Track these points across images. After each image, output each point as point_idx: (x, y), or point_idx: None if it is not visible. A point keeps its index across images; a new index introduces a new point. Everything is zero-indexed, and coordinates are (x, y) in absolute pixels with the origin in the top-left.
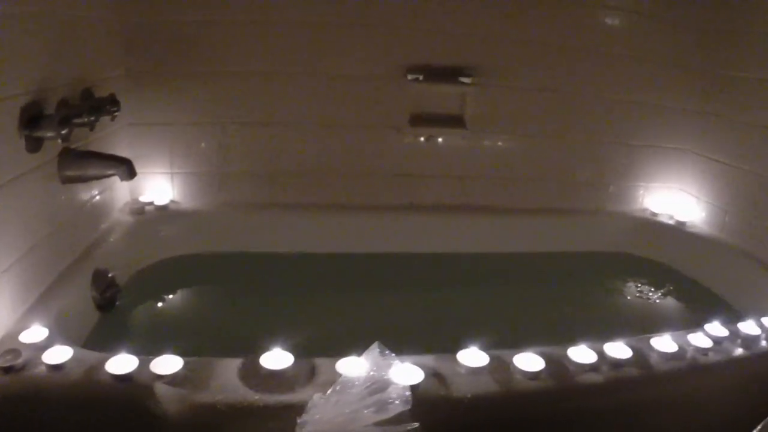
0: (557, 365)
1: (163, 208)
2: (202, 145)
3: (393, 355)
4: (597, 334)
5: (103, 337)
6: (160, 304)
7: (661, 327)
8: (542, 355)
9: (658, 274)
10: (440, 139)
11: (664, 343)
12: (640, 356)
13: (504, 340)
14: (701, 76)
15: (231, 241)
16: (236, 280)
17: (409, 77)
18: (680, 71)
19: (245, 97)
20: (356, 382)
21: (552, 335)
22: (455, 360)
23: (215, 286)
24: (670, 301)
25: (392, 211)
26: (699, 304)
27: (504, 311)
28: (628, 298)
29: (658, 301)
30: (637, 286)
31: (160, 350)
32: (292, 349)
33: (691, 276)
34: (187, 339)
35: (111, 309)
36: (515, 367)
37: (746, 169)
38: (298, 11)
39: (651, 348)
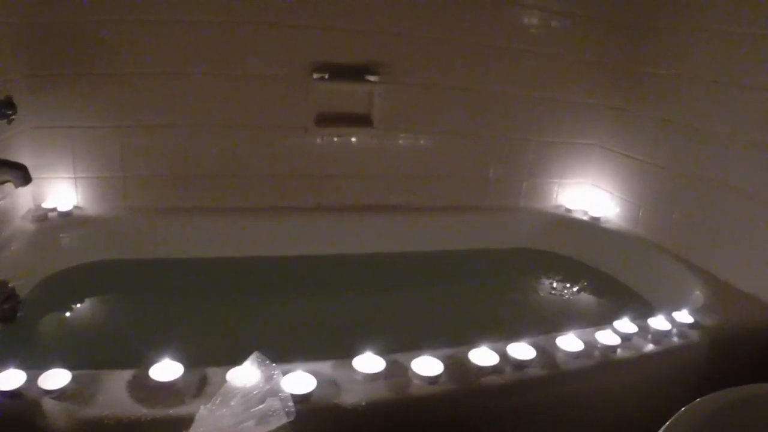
0: (457, 368)
1: (66, 215)
2: (106, 148)
3: (273, 364)
4: (510, 332)
5: (3, 352)
6: (65, 314)
7: (576, 323)
8: (442, 358)
9: (572, 270)
10: (349, 139)
11: (569, 341)
12: (545, 356)
13: (413, 341)
14: (612, 72)
15: (137, 247)
16: (142, 288)
17: (315, 76)
18: (592, 67)
19: (149, 99)
20: (238, 393)
21: (463, 335)
22: (351, 366)
23: (121, 294)
24: (585, 297)
25: (300, 213)
26: (614, 300)
27: (414, 312)
28: (542, 294)
29: (572, 297)
30: (551, 283)
31: (63, 363)
32: (192, 358)
33: (605, 271)
34: (91, 350)
35: (12, 321)
36: (413, 372)
37: (657, 164)
38: (203, 10)
39: (556, 347)
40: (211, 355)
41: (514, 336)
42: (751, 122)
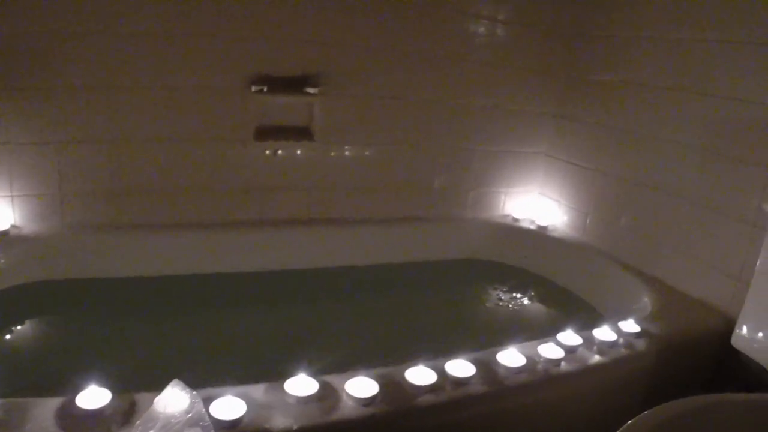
0: (393, 388)
1: (3, 234)
2: (42, 164)
3: (194, 392)
4: (454, 346)
5: None
6: (5, 337)
7: (523, 334)
8: (377, 378)
9: (520, 280)
10: (290, 152)
11: (511, 356)
12: (485, 372)
13: (352, 359)
14: (557, 80)
15: (75, 267)
16: (80, 309)
17: (253, 89)
18: (536, 76)
19: (85, 113)
20: (158, 422)
21: (405, 350)
22: (282, 389)
23: (59, 316)
24: (533, 307)
25: (242, 228)
26: (562, 309)
27: (356, 328)
28: (489, 306)
29: (519, 308)
30: (498, 294)
31: None
32: (127, 382)
33: (553, 280)
34: (25, 375)
35: None
36: (347, 394)
37: (602, 171)
38: (138, 22)
39: (497, 363)
40: (146, 378)
41: (458, 350)
42: (693, 128)
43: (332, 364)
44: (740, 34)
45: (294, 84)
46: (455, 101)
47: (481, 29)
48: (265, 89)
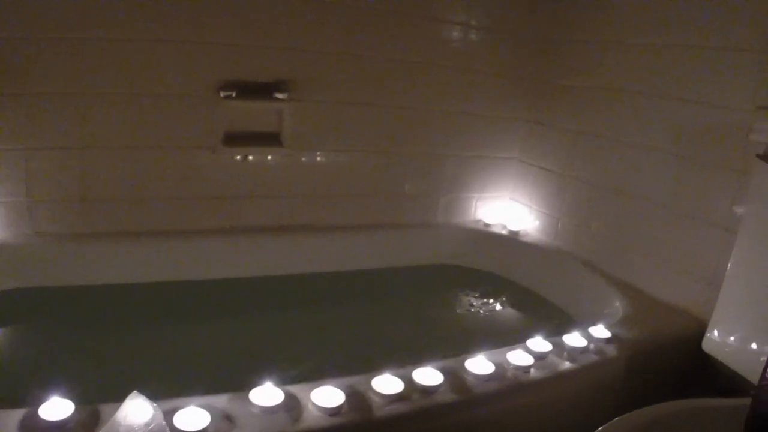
0: (360, 398)
1: None
2: (10, 172)
3: (154, 404)
4: (424, 354)
5: None
6: None
7: (494, 340)
8: (344, 387)
9: (492, 286)
10: (259, 158)
11: (479, 364)
12: (453, 380)
13: (321, 368)
14: (529, 86)
15: (44, 275)
16: (50, 318)
17: (222, 94)
18: (508, 81)
19: (52, 120)
20: None
21: (374, 358)
22: (247, 399)
23: (28, 325)
24: (505, 313)
25: (212, 235)
26: (534, 314)
27: (326, 336)
28: (460, 312)
29: (490, 313)
30: (469, 300)
31: None
32: (94, 392)
33: (525, 285)
34: None
35: None
36: (313, 404)
37: (573, 176)
38: (105, 28)
39: (465, 370)
40: (111, 389)
41: (429, 358)
42: (663, 132)
43: (300, 374)
44: (709, 39)
45: (263, 90)
46: (426, 107)
47: (452, 35)
48: (234, 95)
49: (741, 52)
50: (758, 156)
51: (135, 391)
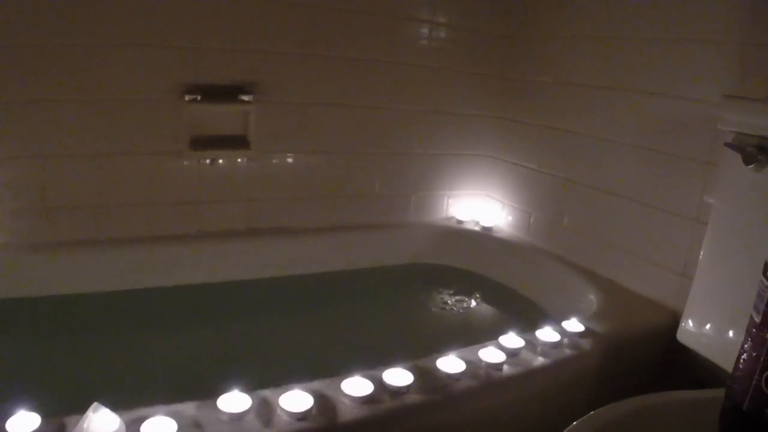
0: (329, 401)
1: None
2: None
3: (115, 415)
4: (396, 354)
5: None
6: None
7: (468, 338)
8: (312, 391)
9: (466, 283)
10: (226, 162)
11: (450, 362)
12: (424, 380)
13: (291, 372)
14: (496, 83)
15: (6, 286)
16: (11, 329)
17: (187, 98)
18: (476, 78)
19: (11, 128)
20: None
21: (345, 361)
22: (215, 406)
23: None
24: (479, 310)
25: (180, 241)
26: (509, 310)
27: (297, 339)
28: (434, 310)
29: (464, 311)
30: (443, 297)
31: None
32: (59, 404)
33: (499, 281)
34: None
35: None
36: (282, 408)
37: (544, 171)
38: (64, 33)
39: (436, 369)
40: (78, 400)
41: (403, 358)
42: (631, 126)
43: (271, 379)
44: (676, 31)
45: (229, 92)
46: (394, 106)
47: (419, 33)
48: (199, 98)
49: (707, 44)
50: (726, 144)
51: (96, 403)
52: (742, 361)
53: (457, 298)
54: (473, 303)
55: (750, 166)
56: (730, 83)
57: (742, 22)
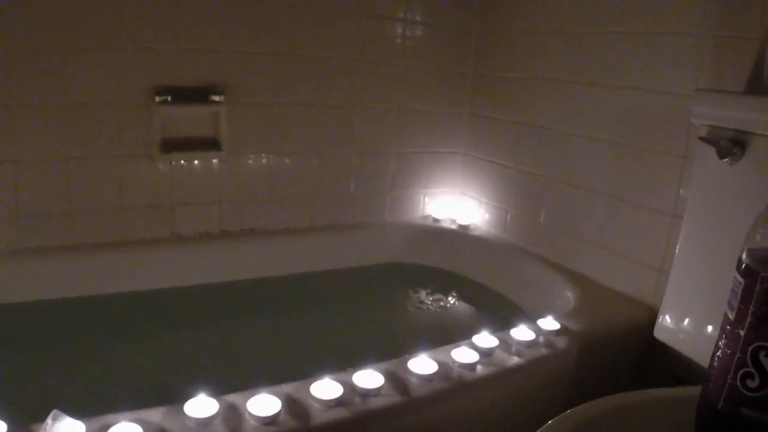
0: (297, 404)
1: None
2: None
3: (78, 422)
4: (375, 354)
5: None
6: None
7: (446, 336)
8: (281, 394)
9: (442, 282)
10: (198, 163)
11: (422, 363)
12: (395, 381)
13: (263, 376)
14: (468, 80)
15: None
16: None
17: (158, 99)
18: (447, 76)
19: None
20: None
21: (321, 363)
22: (182, 411)
23: None
24: (456, 309)
25: (153, 245)
26: (486, 308)
27: (276, 342)
28: (410, 310)
29: (440, 310)
30: (420, 297)
31: None
32: (27, 412)
33: (476, 280)
34: None
35: None
36: (250, 413)
37: (519, 168)
38: (31, 37)
39: (408, 371)
40: (48, 406)
41: (378, 360)
42: (606, 121)
43: (245, 383)
44: (648, 25)
45: (199, 93)
46: (366, 105)
47: (391, 32)
48: (170, 99)
49: (680, 36)
50: (700, 138)
51: (56, 410)
52: (716, 358)
53: (434, 297)
54: (450, 302)
55: (725, 160)
56: (704, 76)
57: (716, 14)
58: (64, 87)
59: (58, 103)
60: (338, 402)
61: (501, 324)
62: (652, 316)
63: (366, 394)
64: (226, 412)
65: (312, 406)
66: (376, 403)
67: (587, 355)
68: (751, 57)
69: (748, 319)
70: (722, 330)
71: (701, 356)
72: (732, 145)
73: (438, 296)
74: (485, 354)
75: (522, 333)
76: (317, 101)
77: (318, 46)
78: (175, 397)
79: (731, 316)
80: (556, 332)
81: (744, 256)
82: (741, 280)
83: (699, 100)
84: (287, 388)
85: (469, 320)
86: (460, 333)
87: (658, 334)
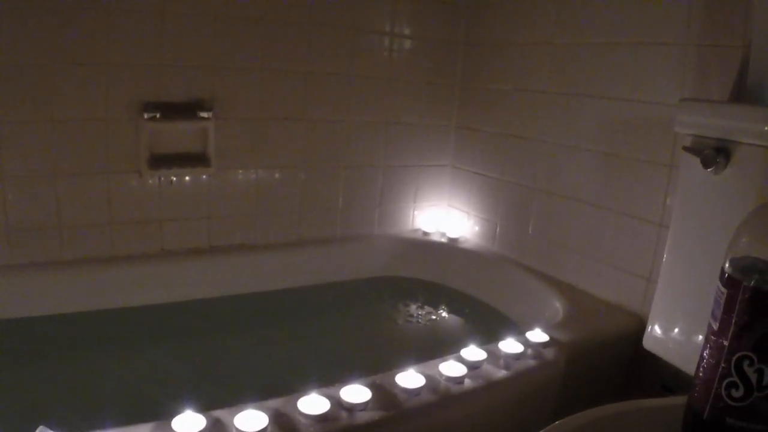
0: (284, 420)
1: None
2: None
3: None
4: (364, 368)
5: None
6: None
7: (438, 349)
8: (268, 410)
9: (432, 295)
10: (187, 179)
11: (409, 377)
12: (382, 396)
13: (251, 392)
14: (455, 92)
15: None
16: None
17: (146, 116)
18: (434, 89)
19: None
20: None
21: (310, 378)
22: (170, 428)
23: None
24: (447, 321)
25: (142, 260)
26: (476, 321)
27: (264, 357)
28: (400, 323)
29: (430, 323)
30: (409, 310)
31: None
32: (12, 428)
33: (466, 292)
34: None
35: None
36: (237, 429)
37: (506, 180)
38: (19, 53)
39: (395, 385)
40: (36, 422)
41: (366, 374)
42: (592, 131)
43: (234, 399)
44: (632, 35)
45: (187, 109)
46: (354, 118)
47: (377, 45)
48: (158, 116)
49: (665, 46)
50: (684, 148)
51: (42, 426)
52: (701, 368)
53: (424, 310)
54: (441, 315)
55: (709, 169)
56: (689, 85)
57: (700, 23)
58: (53, 103)
59: (46, 118)
60: (325, 417)
61: (491, 336)
62: (641, 325)
63: (353, 408)
64: (213, 428)
65: (299, 421)
66: (363, 417)
67: (576, 366)
68: (735, 65)
69: (732, 329)
70: (707, 340)
71: (690, 366)
72: (716, 154)
73: (428, 309)
74: (473, 367)
75: (510, 346)
76: (305, 116)
77: (305, 60)
78: (163, 413)
79: (715, 326)
80: (544, 344)
81: (726, 265)
82: (723, 290)
83: (683, 110)
84: (274, 403)
85: (459, 333)
86: (451, 346)
87: (647, 343)
